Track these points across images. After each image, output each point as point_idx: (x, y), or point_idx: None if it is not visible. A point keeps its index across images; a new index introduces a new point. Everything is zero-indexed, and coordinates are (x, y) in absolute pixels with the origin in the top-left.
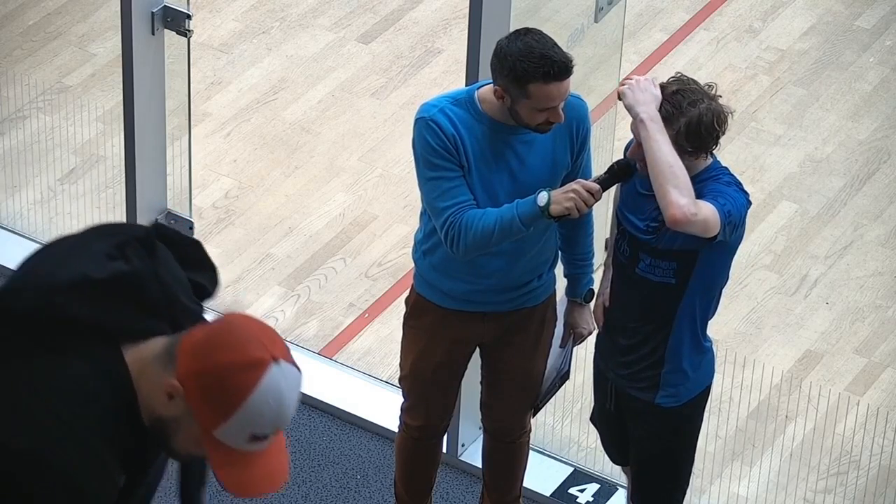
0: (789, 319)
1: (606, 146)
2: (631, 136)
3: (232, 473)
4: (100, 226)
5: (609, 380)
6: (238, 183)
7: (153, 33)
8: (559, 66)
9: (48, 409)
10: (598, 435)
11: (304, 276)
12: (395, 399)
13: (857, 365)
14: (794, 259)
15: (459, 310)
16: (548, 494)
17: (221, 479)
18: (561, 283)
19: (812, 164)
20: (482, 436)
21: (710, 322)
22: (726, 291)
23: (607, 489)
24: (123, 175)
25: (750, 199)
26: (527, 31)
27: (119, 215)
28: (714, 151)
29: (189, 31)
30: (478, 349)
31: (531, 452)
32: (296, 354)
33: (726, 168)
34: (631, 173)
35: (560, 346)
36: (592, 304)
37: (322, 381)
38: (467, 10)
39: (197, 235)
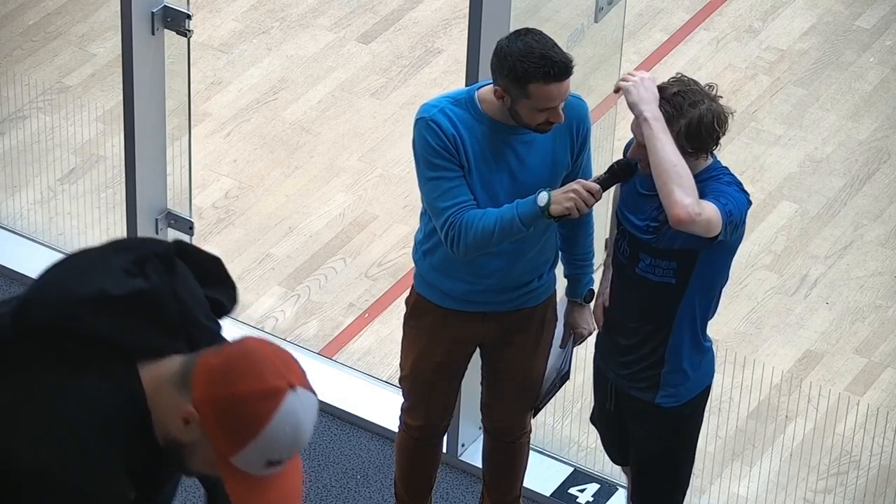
0: (789, 319)
1: (606, 146)
2: (631, 135)
3: (248, 497)
4: (120, 240)
5: (609, 380)
6: (238, 183)
7: (153, 33)
8: (559, 67)
9: (61, 423)
10: (598, 435)
11: (304, 276)
12: (395, 399)
13: (857, 365)
14: (794, 259)
15: (460, 310)
16: (548, 494)
17: (237, 503)
18: (561, 284)
19: (812, 164)
20: (482, 436)
21: (710, 322)
22: (726, 291)
23: (607, 489)
24: (123, 175)
25: (750, 198)
26: (527, 32)
27: (119, 215)
28: (714, 151)
29: (189, 31)
30: (478, 349)
31: (531, 452)
32: (296, 354)
33: (726, 168)
34: (631, 173)
35: (560, 347)
36: (592, 304)
37: (322, 381)
38: (467, 10)
39: (197, 235)
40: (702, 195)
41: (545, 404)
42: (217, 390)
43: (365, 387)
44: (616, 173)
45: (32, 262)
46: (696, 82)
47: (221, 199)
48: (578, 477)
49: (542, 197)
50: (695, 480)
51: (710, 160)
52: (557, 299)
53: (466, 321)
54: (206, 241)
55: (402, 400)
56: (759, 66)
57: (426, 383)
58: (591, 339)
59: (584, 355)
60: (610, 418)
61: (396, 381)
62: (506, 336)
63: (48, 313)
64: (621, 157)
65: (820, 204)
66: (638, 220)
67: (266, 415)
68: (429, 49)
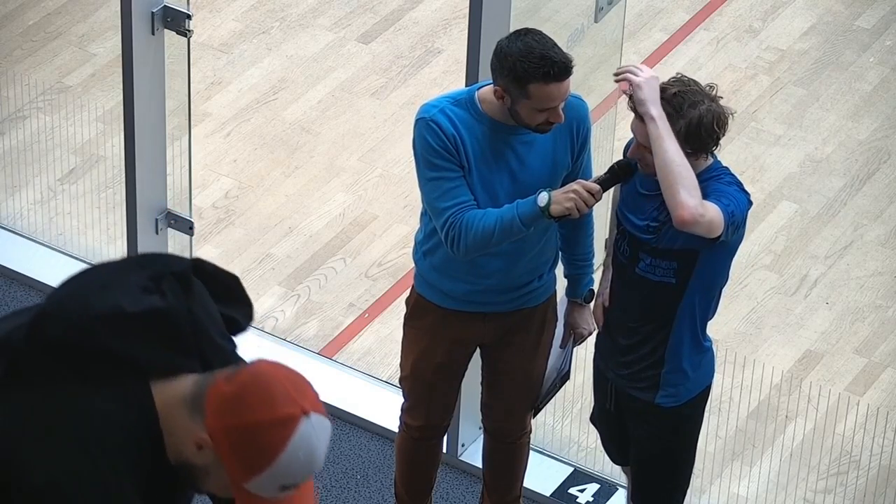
0: (789, 319)
1: (606, 146)
2: (631, 135)
3: None
4: (138, 256)
5: (609, 380)
6: (238, 183)
7: (153, 33)
8: (559, 67)
9: (72, 438)
10: (598, 435)
11: (304, 276)
12: (395, 399)
13: (857, 365)
14: (794, 259)
15: (460, 310)
16: (548, 494)
17: None
18: (561, 284)
19: (812, 164)
20: (482, 436)
21: (710, 322)
22: (726, 291)
23: (607, 489)
24: (123, 175)
25: (751, 199)
26: (527, 32)
27: (119, 215)
28: (714, 152)
29: (189, 31)
30: (478, 349)
31: (531, 452)
32: (296, 354)
33: (727, 168)
34: (631, 173)
35: (560, 347)
36: (592, 304)
37: (322, 381)
38: (467, 10)
39: (197, 235)
40: (704, 195)
41: (545, 404)
42: (230, 419)
43: (365, 387)
44: (616, 173)
45: (32, 262)
46: (696, 82)
47: (221, 199)
48: (578, 477)
49: (543, 197)
50: (695, 480)
51: (711, 160)
52: (557, 299)
53: (467, 321)
54: (207, 241)
55: (402, 400)
56: (759, 66)
57: (426, 383)
58: (591, 339)
59: (584, 355)
60: (610, 418)
61: (396, 381)
62: (506, 336)
63: (63, 327)
64: (621, 157)
65: (820, 204)
66: (638, 219)
67: (280, 443)
68: (429, 49)
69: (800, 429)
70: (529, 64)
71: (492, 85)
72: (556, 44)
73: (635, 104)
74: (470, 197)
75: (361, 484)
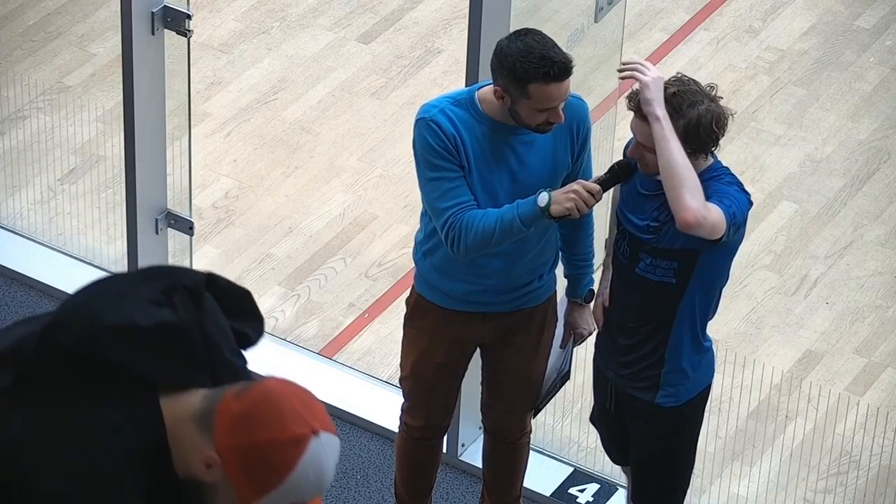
0: (789, 319)
1: (606, 146)
2: (631, 135)
3: None
4: (151, 268)
5: (609, 380)
6: (238, 183)
7: (153, 33)
8: (559, 67)
9: (79, 448)
10: (598, 435)
11: (304, 276)
12: (395, 399)
13: (857, 365)
14: (794, 259)
15: (460, 310)
16: (548, 494)
17: None
18: (561, 284)
19: (812, 164)
20: (482, 436)
21: (710, 322)
22: (726, 291)
23: (607, 489)
24: (123, 175)
25: (751, 199)
26: (527, 32)
27: (119, 215)
28: (714, 152)
29: (189, 31)
30: (478, 349)
31: (531, 452)
32: (296, 354)
33: (727, 168)
34: (631, 173)
35: (560, 347)
36: (592, 304)
37: (322, 381)
38: (467, 10)
39: (197, 235)
40: (705, 196)
41: (545, 404)
42: (239, 439)
43: (365, 387)
44: (616, 173)
45: (32, 262)
46: (696, 82)
47: (221, 199)
48: (578, 477)
49: (543, 197)
50: (695, 480)
51: (711, 160)
52: (557, 299)
53: (467, 321)
54: (207, 241)
55: (402, 400)
56: (759, 66)
57: (426, 384)
58: (591, 339)
59: (584, 355)
60: (610, 418)
61: (396, 381)
62: (506, 336)
63: (73, 338)
64: (621, 157)
65: (820, 204)
66: (638, 219)
67: (290, 463)
68: (429, 49)
69: (800, 429)
70: (529, 64)
71: (492, 85)
72: (556, 44)
73: (641, 103)
74: (470, 197)
75: (361, 484)
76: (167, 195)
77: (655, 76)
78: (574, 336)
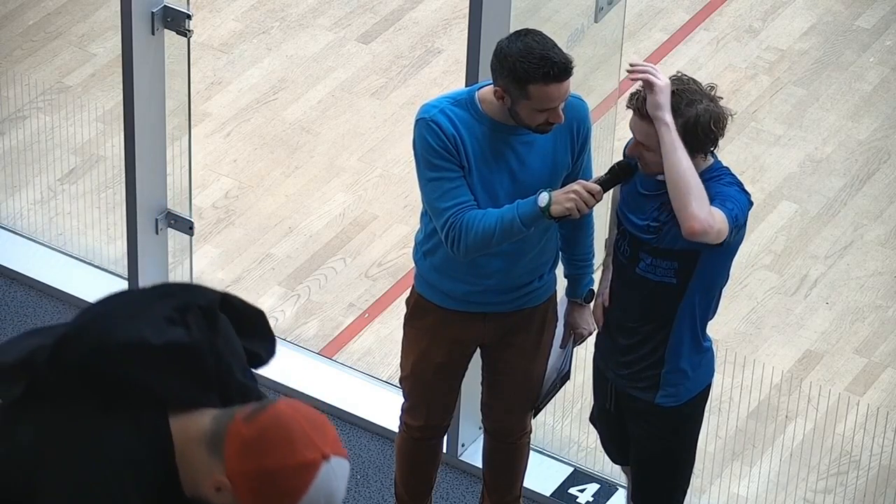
0: (789, 319)
1: (606, 146)
2: (630, 135)
3: None
4: (166, 285)
5: (609, 380)
6: (238, 183)
7: (153, 33)
8: (559, 67)
9: (86, 464)
10: (598, 435)
11: (304, 276)
12: (395, 399)
13: (857, 365)
14: (794, 259)
15: (460, 310)
16: (548, 494)
17: None
18: (561, 284)
19: (812, 164)
20: (482, 436)
21: (710, 322)
22: (726, 291)
23: (607, 489)
24: (123, 175)
25: (751, 199)
26: (527, 32)
27: (119, 215)
28: (714, 152)
29: (189, 31)
30: (478, 349)
31: (531, 452)
32: (296, 354)
33: (727, 168)
34: (632, 173)
35: (560, 347)
36: (592, 304)
37: (322, 381)
38: (467, 10)
39: (197, 235)
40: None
41: (545, 405)
42: (250, 464)
43: (365, 387)
44: (617, 174)
45: (32, 262)
46: (695, 81)
47: (221, 199)
48: (578, 477)
49: (543, 197)
50: (695, 480)
51: (712, 160)
52: (558, 299)
53: (467, 322)
54: (207, 241)
55: (402, 400)
56: (759, 66)
57: (426, 384)
58: (591, 339)
59: (584, 355)
60: (610, 418)
61: (396, 381)
62: (506, 337)
63: (84, 354)
64: (621, 157)
65: (820, 204)
66: (638, 219)
67: (300, 489)
68: (429, 49)
69: (800, 429)
70: (529, 64)
71: (492, 85)
72: (556, 44)
73: (650, 107)
74: (470, 197)
75: (361, 484)
76: (167, 195)
77: (666, 81)
78: (574, 336)
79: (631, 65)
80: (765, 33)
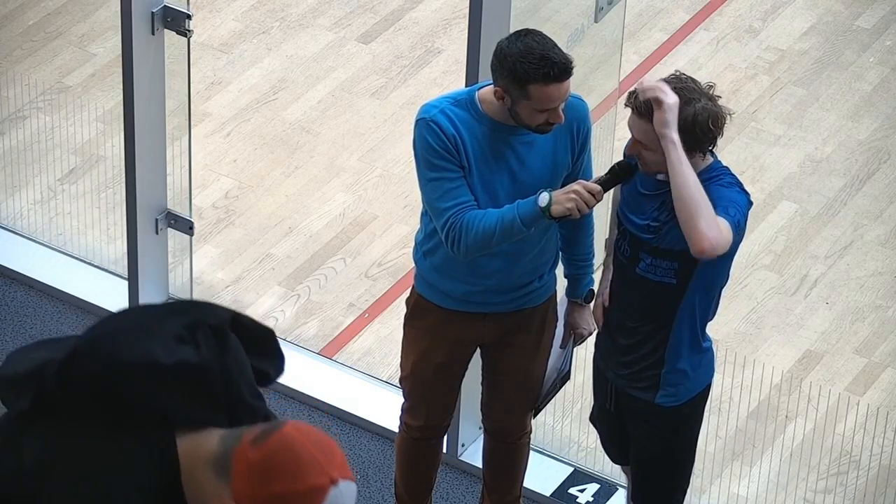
0: (789, 319)
1: (606, 146)
2: (629, 135)
3: None
4: (178, 302)
5: (609, 380)
6: (238, 183)
7: (153, 33)
8: (559, 68)
9: (92, 481)
10: (598, 435)
11: (304, 276)
12: (395, 399)
13: (857, 365)
14: (794, 259)
15: (460, 310)
16: (548, 494)
17: None
18: (561, 284)
19: (812, 164)
20: (482, 436)
21: (710, 322)
22: (726, 291)
23: (607, 489)
24: (123, 175)
25: (751, 198)
26: (527, 32)
27: (119, 215)
28: (713, 151)
29: (189, 31)
30: (478, 349)
31: (531, 452)
32: (296, 354)
33: (727, 168)
34: (632, 173)
35: (560, 347)
36: (592, 304)
37: (322, 381)
38: (467, 10)
39: (197, 235)
40: None
41: (545, 405)
42: (258, 489)
43: (365, 387)
44: (617, 174)
45: (32, 262)
46: (693, 80)
47: (221, 199)
48: (578, 477)
49: (543, 197)
50: (695, 480)
51: (711, 159)
52: (558, 300)
53: (467, 322)
54: (206, 241)
55: (402, 400)
56: (759, 66)
57: (426, 384)
58: (591, 339)
59: (584, 355)
60: (610, 418)
61: (396, 381)
62: (506, 337)
63: (93, 371)
64: (621, 157)
65: (820, 204)
66: (639, 219)
67: None
68: (429, 49)
69: (800, 429)
70: (529, 65)
71: (492, 85)
72: (556, 44)
73: (658, 125)
74: (470, 197)
75: (361, 484)
76: (167, 195)
77: (675, 99)
78: (574, 336)
79: (640, 83)
80: (765, 33)
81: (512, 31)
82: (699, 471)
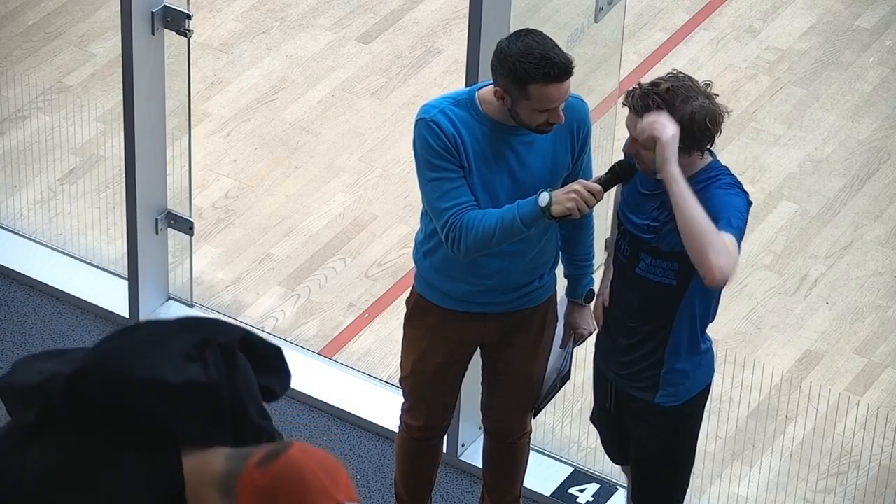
0: (789, 319)
1: (606, 146)
2: (628, 134)
3: None
4: (188, 319)
5: (609, 380)
6: (238, 183)
7: (153, 33)
8: (559, 68)
9: (94, 495)
10: (598, 435)
11: (304, 276)
12: (395, 399)
13: (857, 365)
14: (794, 259)
15: (460, 311)
16: (548, 494)
17: None
18: (561, 284)
19: (812, 164)
20: (482, 436)
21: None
22: (726, 291)
23: (607, 489)
24: (123, 175)
25: (750, 198)
26: (527, 32)
27: (119, 215)
28: (712, 150)
29: (189, 31)
30: (478, 349)
31: (531, 452)
32: (296, 355)
33: (726, 167)
34: (632, 173)
35: (560, 347)
36: (592, 304)
37: (322, 381)
38: (467, 10)
39: (197, 235)
40: (705, 204)
41: (545, 405)
42: None
43: (365, 387)
44: (617, 173)
45: (32, 262)
46: (691, 79)
47: (221, 199)
48: (578, 477)
49: (543, 197)
50: (695, 480)
51: (710, 159)
52: (558, 300)
53: (467, 322)
54: (206, 241)
55: (402, 400)
56: (759, 66)
57: (426, 384)
58: (591, 339)
59: (584, 355)
60: (610, 418)
61: (396, 381)
62: (506, 337)
63: (100, 388)
64: (621, 156)
65: (820, 204)
66: (638, 219)
67: None
68: (429, 49)
69: (800, 429)
70: (529, 65)
71: (492, 85)
72: (556, 44)
73: (659, 161)
74: (470, 197)
75: (361, 484)
76: (167, 195)
77: (673, 133)
78: (574, 336)
79: (645, 123)
80: (765, 33)
81: (512, 31)
82: (699, 471)
